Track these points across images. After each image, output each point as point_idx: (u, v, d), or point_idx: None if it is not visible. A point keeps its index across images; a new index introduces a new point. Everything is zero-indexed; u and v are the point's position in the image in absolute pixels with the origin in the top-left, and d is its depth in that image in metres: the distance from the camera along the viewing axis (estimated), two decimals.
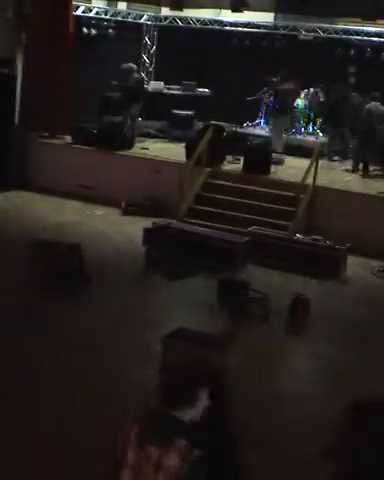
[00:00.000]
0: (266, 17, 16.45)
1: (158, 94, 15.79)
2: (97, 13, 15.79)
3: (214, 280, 8.63)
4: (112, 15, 16.13)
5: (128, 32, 16.70)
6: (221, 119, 16.13)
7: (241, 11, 14.40)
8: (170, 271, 9.10)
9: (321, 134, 15.30)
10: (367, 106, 13.28)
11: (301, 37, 16.27)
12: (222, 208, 11.27)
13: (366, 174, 12.90)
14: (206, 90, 16.24)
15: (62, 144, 13.34)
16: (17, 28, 13.09)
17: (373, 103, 13.24)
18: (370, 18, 14.23)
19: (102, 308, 7.91)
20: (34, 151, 13.09)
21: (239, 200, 11.37)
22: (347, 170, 13.17)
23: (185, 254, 9.53)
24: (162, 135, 15.18)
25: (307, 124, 15.67)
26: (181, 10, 15.46)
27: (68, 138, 13.51)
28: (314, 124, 15.62)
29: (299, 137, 15.31)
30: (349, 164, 13.41)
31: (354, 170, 13.10)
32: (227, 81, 15.78)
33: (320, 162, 11.84)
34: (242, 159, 12.53)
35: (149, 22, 17.56)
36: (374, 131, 13.09)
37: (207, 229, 10.30)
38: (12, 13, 12.99)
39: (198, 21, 16.89)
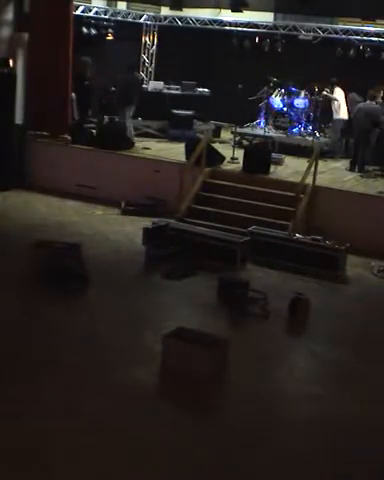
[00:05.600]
0: (266, 17, 16.48)
1: (158, 94, 15.80)
2: (97, 13, 15.81)
3: (214, 280, 8.64)
4: (112, 15, 16.15)
5: (128, 32, 16.71)
6: (221, 119, 16.21)
7: (241, 11, 14.43)
8: (170, 271, 9.11)
9: (318, 134, 15.30)
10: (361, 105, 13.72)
11: (301, 37, 16.30)
12: (222, 208, 11.27)
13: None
14: (206, 90, 16.24)
15: (62, 144, 13.34)
16: (17, 28, 13.10)
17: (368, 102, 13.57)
18: (370, 18, 14.25)
19: (102, 308, 7.91)
20: (34, 151, 13.09)
21: (239, 200, 11.37)
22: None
23: (185, 254, 9.54)
24: (161, 135, 15.20)
25: (306, 124, 15.67)
26: (181, 10, 15.48)
27: (68, 138, 13.52)
28: (314, 124, 15.60)
29: (299, 137, 15.32)
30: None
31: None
32: (227, 81, 15.78)
33: None
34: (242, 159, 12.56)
35: (149, 22, 17.58)
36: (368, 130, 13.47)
37: (207, 229, 10.30)
38: (12, 13, 13.01)
39: (198, 21, 16.91)
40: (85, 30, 15.48)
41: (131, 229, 10.93)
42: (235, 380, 6.50)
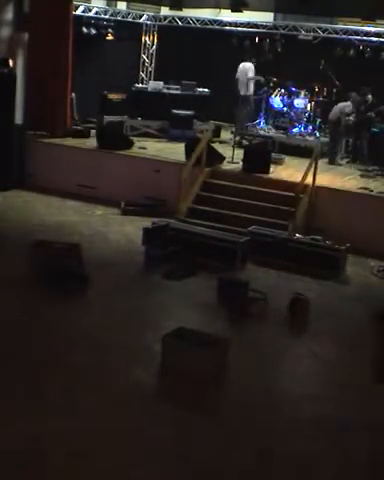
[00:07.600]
0: (266, 17, 16.46)
1: (158, 94, 15.79)
2: (97, 13, 15.80)
3: (214, 280, 8.64)
4: (112, 15, 16.14)
5: (128, 32, 16.71)
6: (221, 119, 16.20)
7: (241, 11, 14.42)
8: (170, 271, 9.11)
9: (317, 134, 15.25)
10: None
11: (301, 37, 16.28)
12: (222, 208, 11.27)
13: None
14: (206, 90, 16.24)
15: (62, 144, 13.34)
16: (17, 28, 13.11)
17: None
18: (370, 18, 14.23)
19: (102, 308, 7.91)
20: (34, 151, 13.09)
21: (239, 200, 11.37)
22: None
23: (185, 254, 9.53)
24: (161, 135, 15.18)
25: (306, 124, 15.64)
26: (181, 10, 15.46)
27: (68, 138, 13.52)
28: (314, 124, 15.57)
29: (299, 137, 15.30)
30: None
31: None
32: (227, 81, 15.77)
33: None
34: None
35: (149, 22, 17.57)
36: None
37: (207, 229, 10.30)
38: (12, 13, 13.01)
39: (198, 21, 16.90)
40: (85, 30, 15.47)
41: (131, 229, 10.93)
42: (235, 380, 6.49)
